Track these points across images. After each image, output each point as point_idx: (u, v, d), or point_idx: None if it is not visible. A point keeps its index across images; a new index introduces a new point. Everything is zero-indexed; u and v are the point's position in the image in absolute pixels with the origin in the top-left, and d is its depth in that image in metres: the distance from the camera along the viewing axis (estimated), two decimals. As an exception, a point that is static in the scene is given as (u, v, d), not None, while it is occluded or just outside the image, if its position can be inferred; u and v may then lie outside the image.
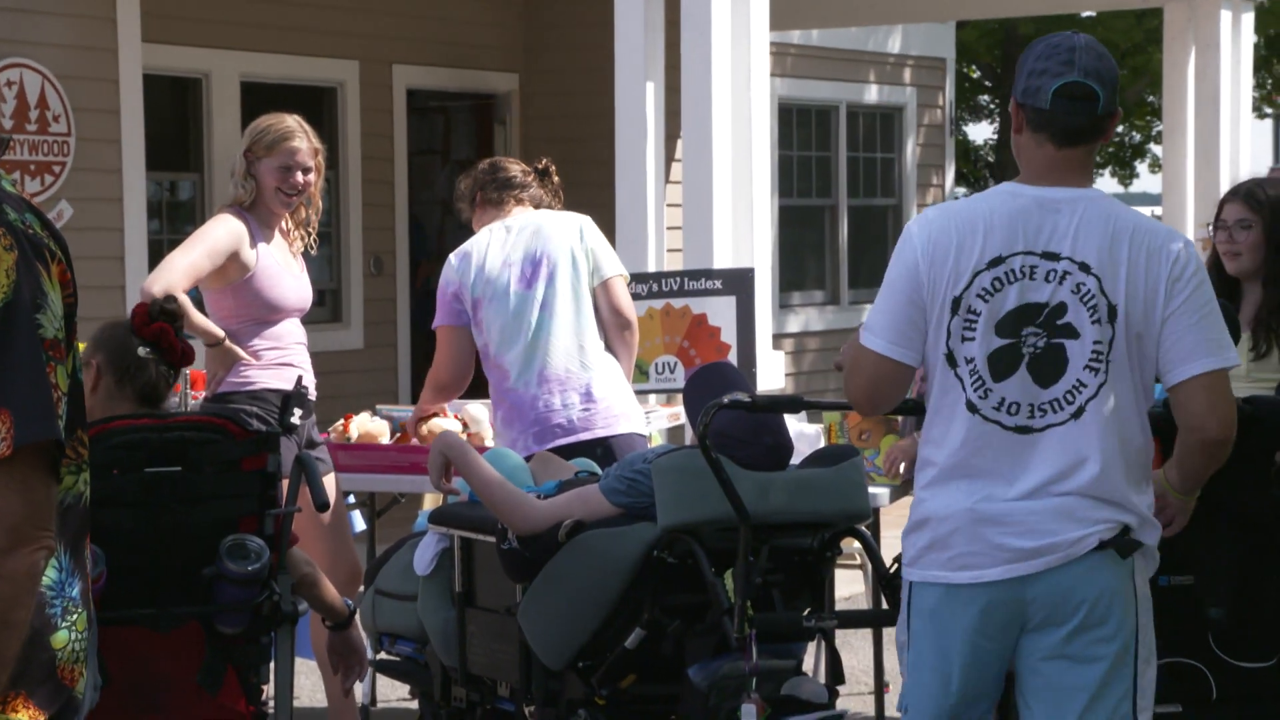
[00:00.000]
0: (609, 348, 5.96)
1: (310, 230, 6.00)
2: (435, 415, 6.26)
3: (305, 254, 6.08)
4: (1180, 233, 3.98)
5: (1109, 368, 3.72)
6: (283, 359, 5.83)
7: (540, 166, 6.19)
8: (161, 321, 4.58)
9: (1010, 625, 3.77)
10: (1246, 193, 5.31)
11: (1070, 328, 3.72)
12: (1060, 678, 3.77)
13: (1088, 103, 3.72)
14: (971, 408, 3.73)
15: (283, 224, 5.96)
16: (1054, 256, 3.71)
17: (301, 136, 5.86)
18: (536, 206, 6.10)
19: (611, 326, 5.96)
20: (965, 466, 3.74)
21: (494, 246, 5.92)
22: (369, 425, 6.56)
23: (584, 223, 6.01)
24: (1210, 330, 3.75)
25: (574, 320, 5.88)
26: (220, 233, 5.73)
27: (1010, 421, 3.71)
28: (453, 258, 5.99)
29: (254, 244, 5.81)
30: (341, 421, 6.64)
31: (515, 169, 6.13)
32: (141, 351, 4.55)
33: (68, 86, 9.06)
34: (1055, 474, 3.71)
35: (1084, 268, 3.71)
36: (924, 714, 3.81)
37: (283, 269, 5.86)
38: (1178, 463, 3.91)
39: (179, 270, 5.66)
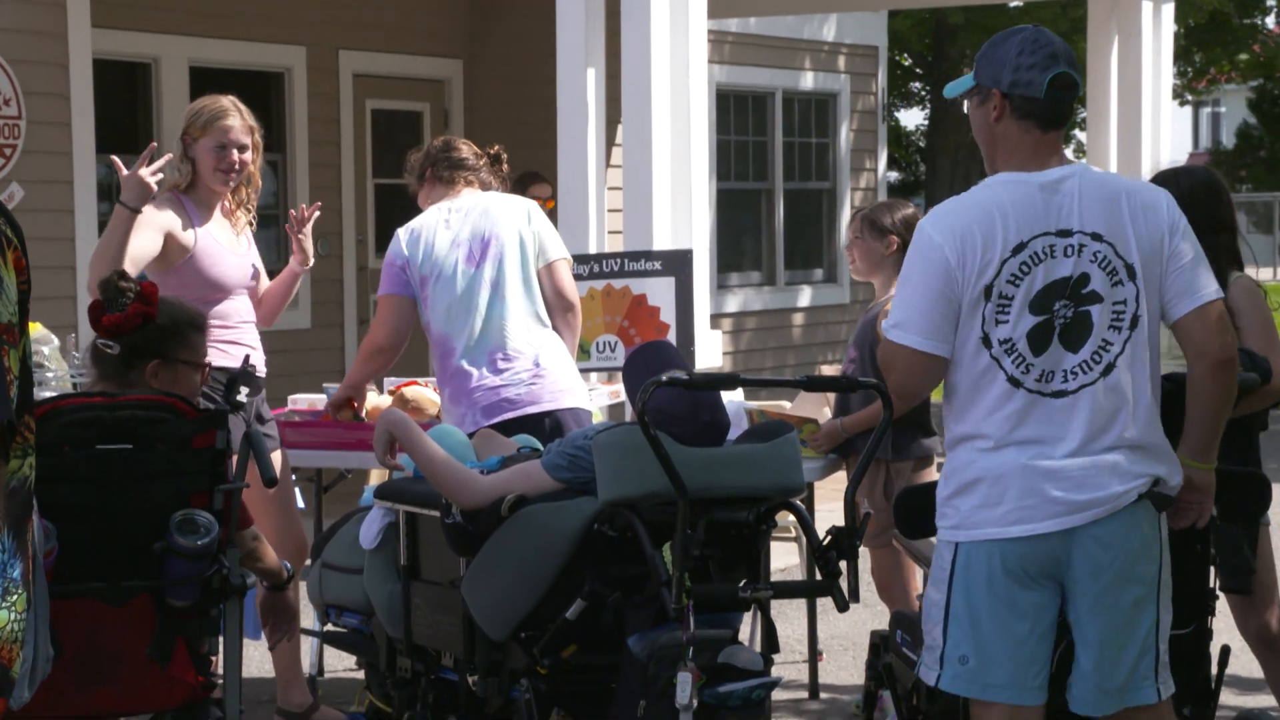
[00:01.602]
0: (554, 328, 5.96)
1: (250, 208, 5.99)
2: (354, 402, 6.23)
3: (254, 232, 6.06)
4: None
5: (1133, 323, 3.98)
6: (229, 337, 5.81)
7: (492, 152, 6.18)
8: (112, 312, 4.54)
9: (1055, 574, 3.97)
10: (1167, 180, 5.35)
11: (1094, 294, 3.96)
12: (1099, 620, 3.98)
13: (1073, 91, 4.04)
14: (1015, 383, 3.95)
15: (225, 204, 5.93)
16: (1067, 233, 3.95)
17: (236, 115, 5.84)
18: (484, 189, 6.08)
19: (556, 308, 5.96)
20: (1016, 436, 3.95)
21: (442, 226, 5.91)
22: (375, 400, 6.60)
23: (530, 206, 6.00)
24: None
25: (520, 300, 5.87)
26: (149, 217, 5.68)
27: (1050, 388, 3.94)
28: (401, 233, 5.97)
29: (191, 225, 5.78)
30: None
31: (468, 151, 6.12)
32: (114, 349, 4.52)
33: (18, 70, 8.98)
34: (1095, 430, 3.95)
35: (1096, 237, 3.96)
36: (997, 664, 3.95)
37: (223, 248, 5.83)
38: (1196, 405, 4.10)
39: (105, 253, 5.63)
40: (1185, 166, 5.51)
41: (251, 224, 6.03)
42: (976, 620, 3.96)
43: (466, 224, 5.89)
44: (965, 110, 4.18)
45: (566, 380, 5.87)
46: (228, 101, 5.89)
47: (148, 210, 5.69)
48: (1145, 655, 4.04)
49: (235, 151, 5.81)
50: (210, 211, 5.88)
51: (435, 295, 5.87)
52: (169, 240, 5.72)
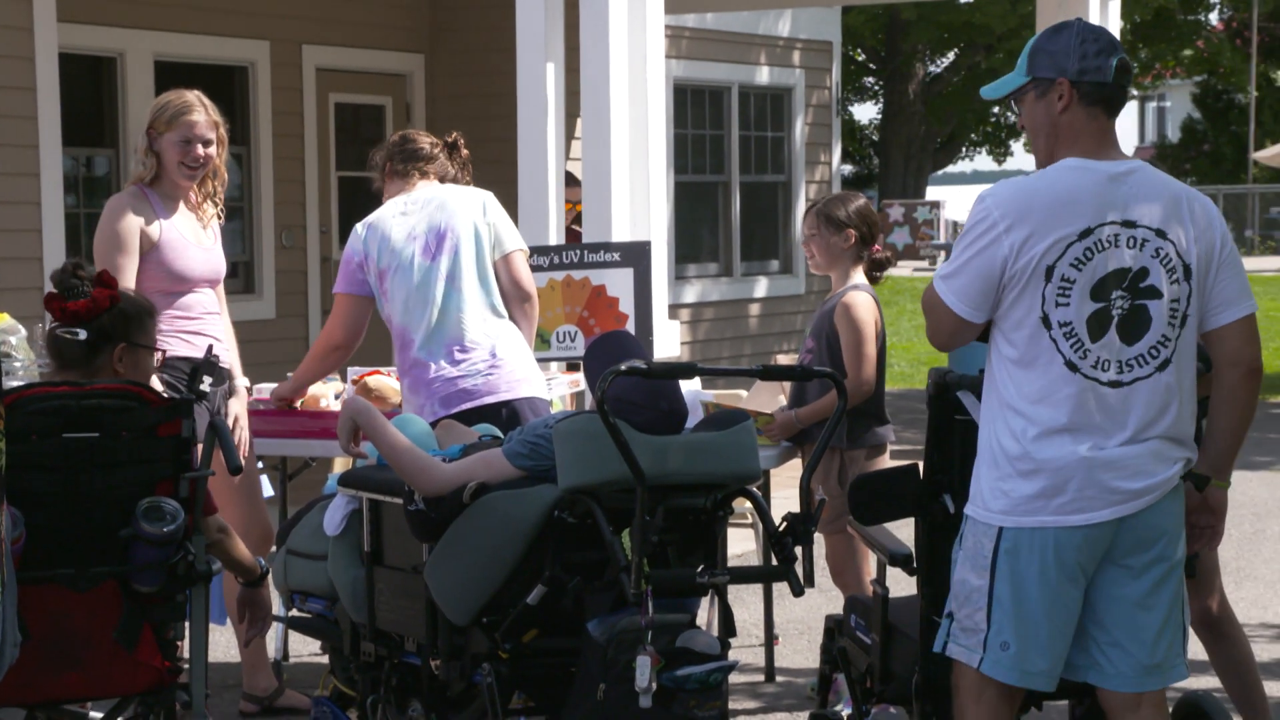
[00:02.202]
0: (511, 318, 5.95)
1: (217, 201, 5.96)
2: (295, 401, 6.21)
3: (221, 225, 6.03)
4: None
5: (1184, 321, 4.00)
6: (193, 328, 5.79)
7: (449, 140, 6.15)
8: (65, 300, 4.52)
9: (1097, 559, 3.99)
10: None
11: (1153, 289, 3.96)
12: (1134, 597, 4.01)
13: (1131, 76, 4.08)
14: (1072, 367, 3.94)
15: (191, 197, 5.91)
16: (1133, 224, 3.95)
17: (200, 110, 5.81)
18: (442, 179, 6.06)
19: (512, 298, 5.94)
20: (1072, 421, 3.93)
21: (399, 219, 5.89)
22: (314, 389, 6.58)
23: (486, 198, 5.98)
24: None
25: (476, 292, 5.86)
26: (117, 225, 5.69)
27: (1105, 377, 3.94)
28: (359, 227, 5.96)
29: (155, 218, 5.76)
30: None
31: (424, 141, 6.09)
32: (80, 336, 4.50)
33: (-16, 64, 8.91)
34: (1146, 422, 3.96)
35: (1160, 234, 3.96)
36: (1038, 651, 3.97)
37: (188, 242, 5.81)
38: (1226, 414, 4.11)
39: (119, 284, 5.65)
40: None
41: (220, 216, 6.01)
42: (1023, 608, 3.95)
43: (423, 217, 5.88)
44: (1014, 109, 4.15)
45: (523, 370, 5.87)
46: (192, 96, 5.86)
47: (126, 219, 5.67)
48: (1178, 631, 4.10)
49: (200, 146, 5.78)
50: (175, 204, 5.85)
51: (393, 288, 5.86)
52: (141, 238, 5.72)
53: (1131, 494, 3.97)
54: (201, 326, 5.83)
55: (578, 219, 8.43)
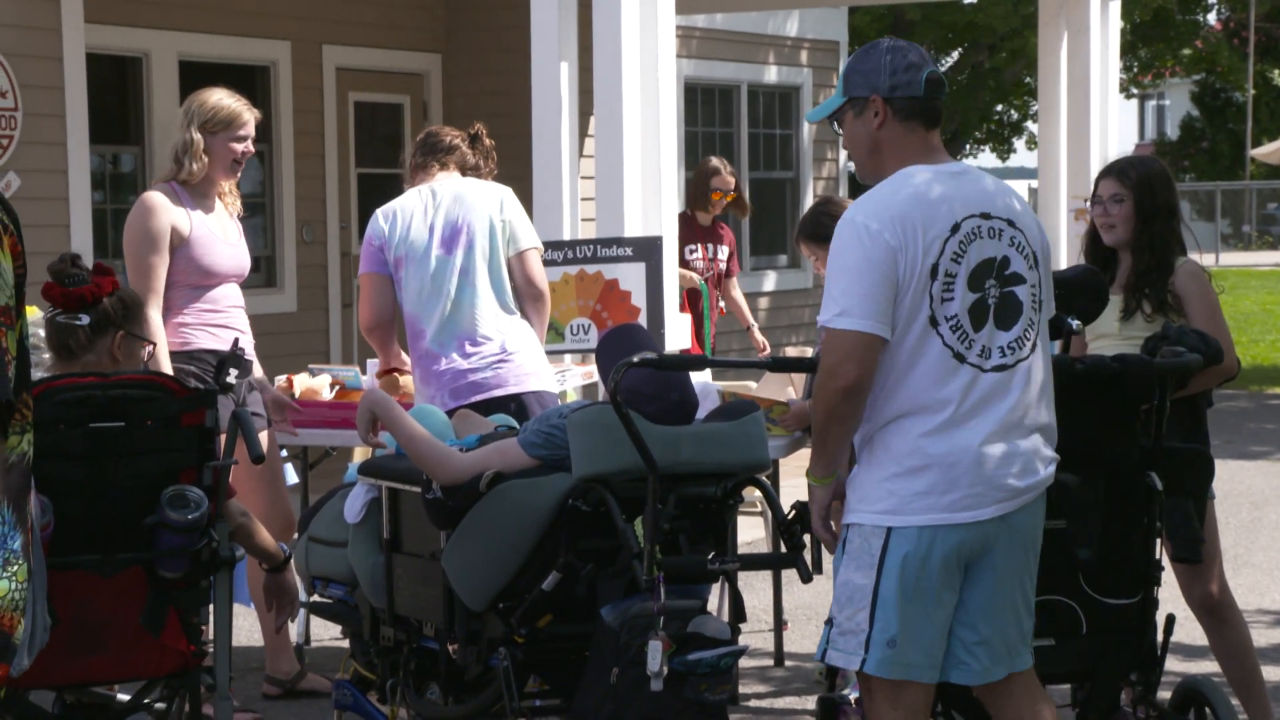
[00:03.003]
0: (522, 314, 5.93)
1: (235, 193, 6.01)
2: (394, 371, 6.19)
3: (241, 220, 6.05)
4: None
5: (1041, 307, 4.01)
6: (219, 321, 5.81)
7: (472, 131, 6.13)
8: (49, 282, 4.53)
9: (977, 558, 3.93)
10: (1119, 170, 5.37)
11: (1017, 276, 3.97)
12: (1005, 599, 3.97)
13: (944, 89, 4.05)
14: (959, 358, 3.90)
15: (225, 191, 5.95)
16: (988, 216, 3.96)
17: (249, 112, 5.89)
18: (464, 170, 6.03)
19: (525, 295, 5.93)
20: (959, 410, 3.88)
21: (418, 209, 5.87)
22: (309, 382, 6.53)
23: (504, 194, 5.96)
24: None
25: (489, 287, 5.85)
26: (151, 221, 5.70)
27: (988, 364, 3.92)
28: (380, 213, 5.95)
29: (187, 215, 5.78)
30: (284, 379, 6.61)
31: (445, 134, 6.07)
32: (45, 315, 4.52)
33: (14, 64, 8.93)
34: (1026, 408, 3.95)
35: (1010, 223, 3.97)
36: (919, 646, 3.89)
37: (216, 237, 5.83)
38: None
39: (139, 281, 5.67)
40: (1136, 156, 5.52)
41: (239, 211, 6.03)
42: (908, 604, 3.87)
43: (441, 209, 5.87)
44: (837, 130, 4.13)
45: (532, 364, 5.86)
46: (236, 97, 5.91)
47: (160, 216, 5.68)
48: (1030, 620, 4.06)
49: (249, 144, 5.88)
50: (208, 201, 5.89)
51: (408, 277, 5.85)
52: (173, 233, 5.74)
53: (1016, 491, 3.92)
54: (227, 320, 5.84)
55: (724, 214, 8.26)
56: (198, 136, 5.79)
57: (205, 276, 5.78)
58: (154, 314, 5.63)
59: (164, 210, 5.73)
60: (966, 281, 3.91)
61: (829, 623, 3.99)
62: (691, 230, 9.51)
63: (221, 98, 5.90)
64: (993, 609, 3.97)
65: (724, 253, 9.72)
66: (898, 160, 3.98)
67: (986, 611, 3.96)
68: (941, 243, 3.89)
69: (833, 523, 4.01)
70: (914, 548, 3.87)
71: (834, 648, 3.95)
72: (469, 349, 5.80)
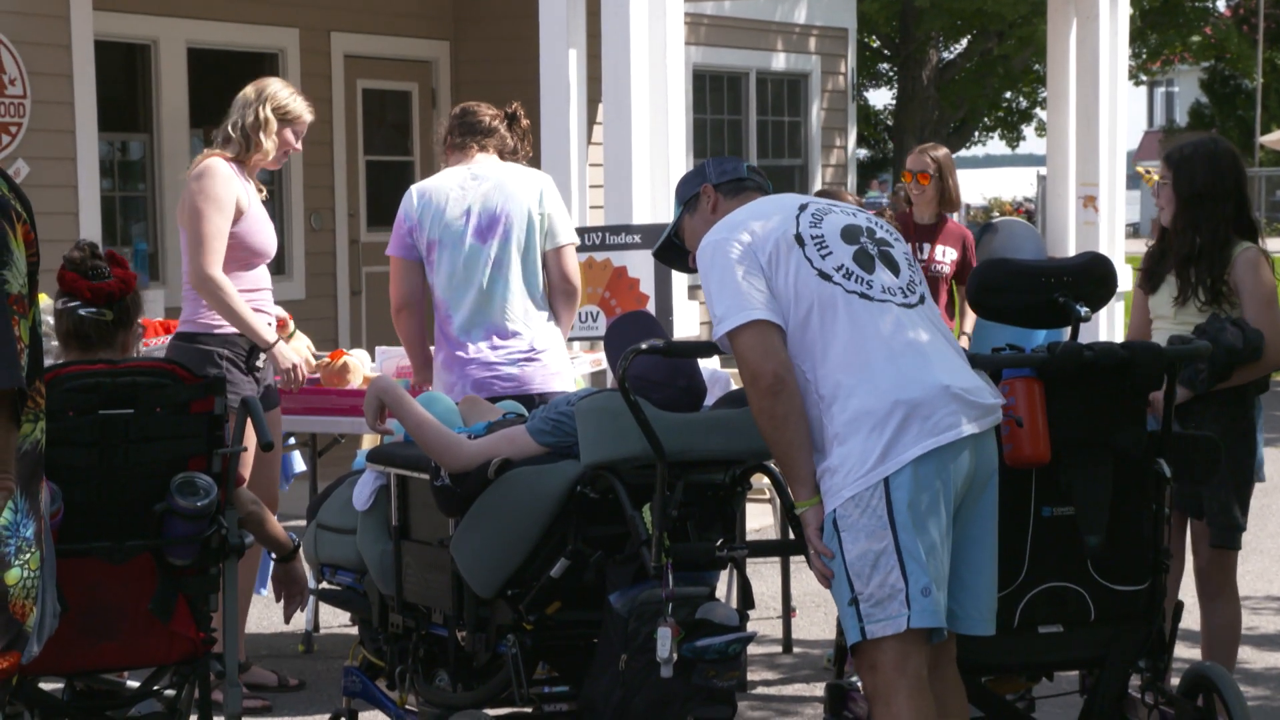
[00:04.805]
0: (552, 308, 5.85)
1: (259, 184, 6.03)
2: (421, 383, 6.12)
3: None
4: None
5: (918, 272, 4.13)
6: (255, 302, 5.82)
7: (510, 111, 5.99)
8: (71, 273, 4.54)
9: (963, 489, 3.94)
10: (1167, 153, 5.35)
11: (886, 241, 4.11)
12: (978, 536, 4.00)
13: (762, 175, 4.38)
14: (865, 297, 3.97)
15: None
16: (835, 204, 4.18)
17: (310, 112, 5.94)
18: (502, 154, 5.90)
19: (558, 290, 5.83)
20: (900, 345, 3.92)
21: (456, 192, 5.75)
22: (348, 358, 6.63)
23: (545, 185, 5.83)
24: None
25: (522, 280, 5.75)
26: (220, 187, 5.70)
27: (897, 300, 4.00)
28: (414, 192, 5.83)
29: (246, 191, 5.81)
30: (327, 355, 6.73)
31: (485, 114, 5.93)
32: (59, 304, 4.53)
33: (23, 51, 8.93)
34: (946, 337, 4.03)
35: (860, 212, 4.19)
36: (942, 583, 3.89)
37: (263, 218, 5.87)
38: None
39: (210, 244, 5.66)
40: (1197, 138, 5.40)
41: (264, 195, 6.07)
42: (930, 546, 3.85)
43: (479, 195, 5.75)
44: (682, 242, 4.33)
45: (557, 365, 5.78)
46: (301, 97, 5.95)
47: (229, 185, 5.71)
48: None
49: (300, 143, 5.95)
50: (252, 185, 5.91)
51: (439, 261, 5.75)
52: (236, 203, 5.76)
53: (985, 409, 3.95)
54: (259, 303, 5.85)
55: (908, 199, 8.01)
56: (272, 118, 5.81)
57: (251, 255, 5.80)
58: (220, 275, 5.65)
59: (231, 178, 5.74)
60: (840, 237, 4.04)
61: (852, 603, 3.91)
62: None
63: (292, 89, 5.95)
64: (972, 549, 3.99)
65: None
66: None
67: (967, 552, 3.98)
68: (794, 218, 4.05)
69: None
70: (913, 488, 3.86)
71: (872, 621, 3.88)
72: (497, 342, 5.72)
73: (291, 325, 6.20)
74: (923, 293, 4.08)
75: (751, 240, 3.99)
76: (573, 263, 5.85)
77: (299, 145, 5.92)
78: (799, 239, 3.99)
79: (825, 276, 3.96)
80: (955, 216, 7.96)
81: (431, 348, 6.00)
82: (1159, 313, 5.29)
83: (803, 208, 4.09)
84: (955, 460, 3.90)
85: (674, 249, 4.43)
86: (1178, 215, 5.24)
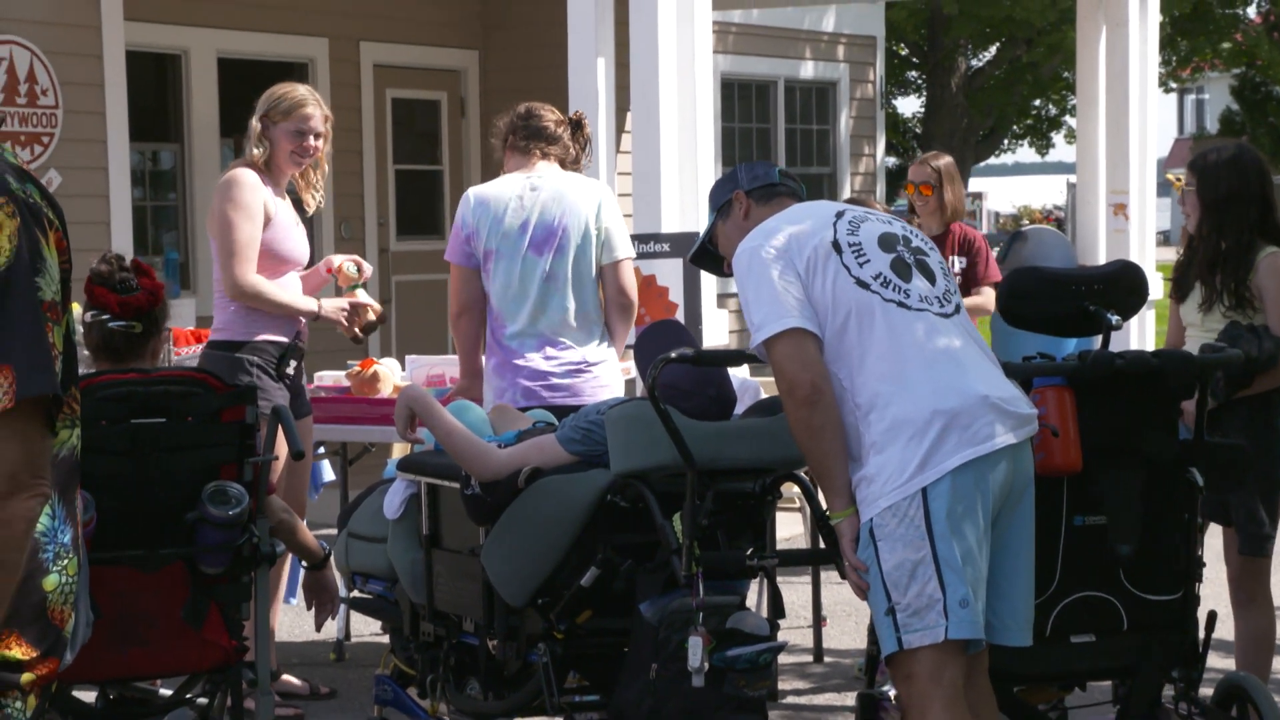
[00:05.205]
0: (608, 322, 5.77)
1: (317, 190, 6.01)
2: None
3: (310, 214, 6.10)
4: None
5: (950, 281, 4.10)
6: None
7: (574, 118, 5.88)
8: (100, 286, 4.56)
9: (1000, 499, 3.92)
10: (1191, 160, 5.36)
11: (922, 250, 4.09)
12: (1014, 545, 3.98)
13: (795, 179, 4.33)
14: (903, 306, 3.96)
15: (296, 185, 5.96)
16: (872, 212, 4.16)
17: (315, 105, 5.87)
18: (563, 163, 5.80)
19: (614, 304, 5.75)
20: (936, 353, 3.91)
21: (514, 202, 5.65)
22: (379, 367, 6.63)
23: (604, 197, 5.74)
24: None
25: (577, 294, 5.67)
26: (247, 194, 5.72)
27: (933, 310, 3.99)
28: (472, 197, 5.72)
29: (272, 198, 5.81)
30: (357, 363, 6.75)
31: (549, 119, 5.80)
32: (88, 316, 4.55)
33: (55, 62, 8.98)
34: (984, 348, 4.02)
35: (895, 220, 4.17)
36: (980, 594, 3.86)
37: (290, 225, 5.85)
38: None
39: (242, 250, 5.68)
40: (1222, 144, 5.42)
41: (319, 203, 6.06)
42: (967, 557, 3.83)
43: (538, 206, 5.65)
44: (716, 248, 4.34)
45: (608, 377, 5.71)
46: (306, 91, 5.90)
47: (254, 191, 5.72)
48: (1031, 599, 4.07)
49: (311, 138, 5.83)
50: (280, 190, 5.89)
51: (495, 271, 5.66)
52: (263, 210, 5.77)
53: (1023, 419, 3.92)
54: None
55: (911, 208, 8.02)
56: (256, 123, 5.82)
57: (279, 263, 5.81)
58: (255, 278, 5.67)
59: (257, 186, 5.75)
60: (877, 244, 4.02)
61: (889, 613, 3.88)
62: None
63: (289, 87, 5.90)
64: (1007, 558, 3.96)
65: None
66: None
67: (1003, 560, 3.95)
68: (831, 225, 4.03)
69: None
70: (952, 497, 3.83)
71: (909, 631, 3.85)
72: (550, 353, 5.64)
73: (361, 292, 6.09)
74: (958, 302, 4.06)
75: (788, 247, 3.98)
76: (629, 276, 5.78)
77: (314, 143, 5.83)
78: (836, 246, 3.98)
79: (863, 284, 3.95)
80: (966, 222, 7.92)
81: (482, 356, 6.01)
82: (1188, 320, 5.28)
83: (839, 214, 4.08)
84: (993, 470, 3.88)
85: (709, 255, 4.42)
86: (1203, 221, 5.23)
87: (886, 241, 4.04)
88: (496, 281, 5.68)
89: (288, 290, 5.80)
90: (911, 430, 3.85)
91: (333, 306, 5.89)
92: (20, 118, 8.82)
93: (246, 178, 5.76)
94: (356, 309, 5.93)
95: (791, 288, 3.93)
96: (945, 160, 7.59)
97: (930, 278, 4.03)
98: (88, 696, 4.51)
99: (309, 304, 5.85)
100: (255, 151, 5.79)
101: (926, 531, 3.83)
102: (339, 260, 6.10)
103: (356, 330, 5.91)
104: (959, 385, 3.88)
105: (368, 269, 6.07)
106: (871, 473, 3.90)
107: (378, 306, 6.05)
